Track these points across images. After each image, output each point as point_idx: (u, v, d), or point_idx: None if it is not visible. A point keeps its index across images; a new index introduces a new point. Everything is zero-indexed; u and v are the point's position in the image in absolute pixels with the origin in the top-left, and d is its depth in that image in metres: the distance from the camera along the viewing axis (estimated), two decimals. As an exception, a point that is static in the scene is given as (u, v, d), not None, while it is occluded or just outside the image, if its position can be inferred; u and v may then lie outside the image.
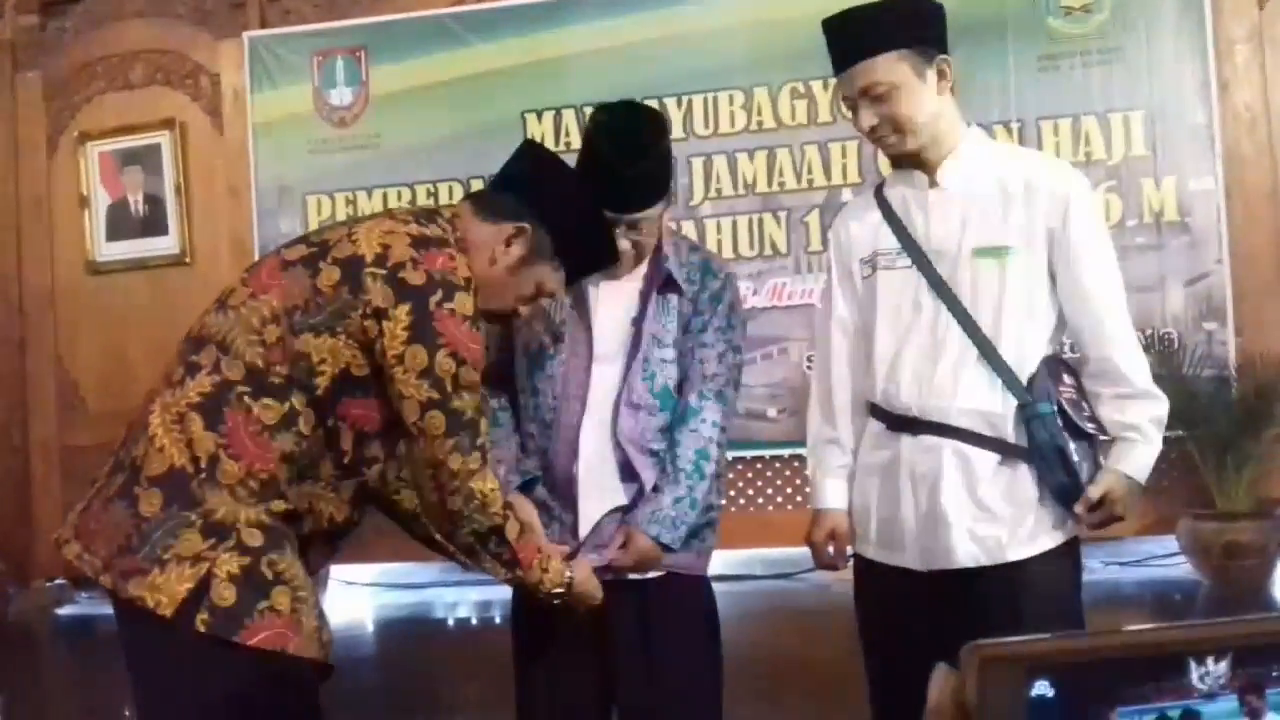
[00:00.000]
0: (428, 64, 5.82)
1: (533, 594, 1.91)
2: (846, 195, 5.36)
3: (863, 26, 2.03)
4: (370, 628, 5.18)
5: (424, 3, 5.89)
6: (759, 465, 5.50)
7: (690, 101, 5.59)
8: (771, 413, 5.43)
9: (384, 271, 1.66)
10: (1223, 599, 4.65)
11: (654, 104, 5.57)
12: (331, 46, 5.97)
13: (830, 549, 2.16)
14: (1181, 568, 4.88)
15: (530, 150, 2.02)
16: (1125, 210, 5.15)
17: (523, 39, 5.73)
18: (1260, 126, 5.14)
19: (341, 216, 5.88)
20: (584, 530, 2.12)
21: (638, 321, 2.15)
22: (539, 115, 5.61)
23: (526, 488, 2.16)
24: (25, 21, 6.39)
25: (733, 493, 5.54)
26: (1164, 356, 4.89)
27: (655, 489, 2.10)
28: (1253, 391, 4.74)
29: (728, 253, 5.49)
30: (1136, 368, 2.04)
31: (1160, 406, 2.04)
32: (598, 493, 2.13)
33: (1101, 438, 2.04)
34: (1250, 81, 5.15)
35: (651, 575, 2.12)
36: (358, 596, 5.15)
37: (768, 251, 5.50)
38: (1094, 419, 2.03)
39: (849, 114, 2.11)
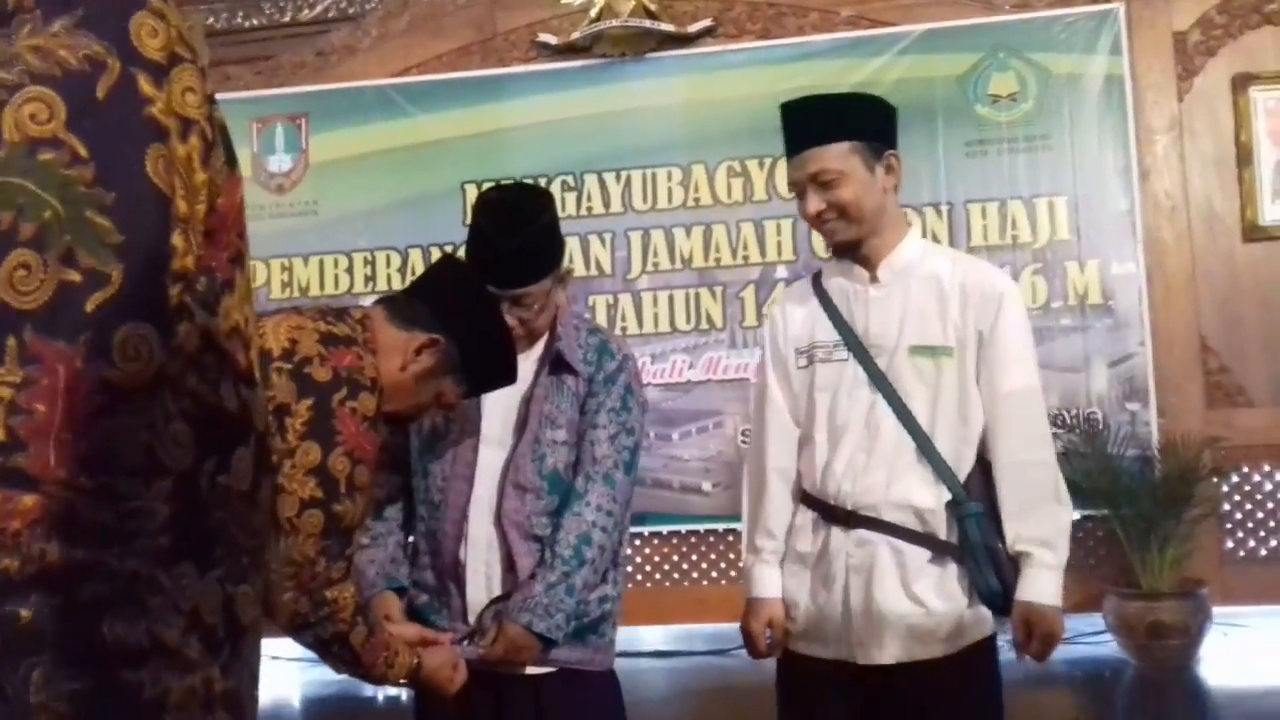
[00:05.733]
0: (368, 133, 5.82)
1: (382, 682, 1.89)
2: (781, 271, 5.44)
3: (819, 115, 2.07)
4: (297, 705, 5.03)
5: (366, 73, 5.91)
6: (693, 539, 5.48)
7: (629, 177, 5.65)
8: (706, 486, 5.43)
9: (290, 366, 1.65)
10: (1149, 680, 4.70)
11: (593, 178, 5.69)
12: (272, 113, 5.95)
13: (768, 637, 2.13)
14: (1109, 645, 4.92)
15: (449, 265, 2.04)
16: (1050, 292, 5.28)
17: (464, 111, 5.78)
18: (1180, 214, 5.30)
19: (277, 283, 5.83)
20: (471, 616, 2.09)
21: (527, 401, 2.13)
22: (479, 186, 5.63)
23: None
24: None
25: (666, 567, 5.51)
26: (1089, 436, 4.98)
27: (532, 576, 2.05)
28: (1175, 473, 4.81)
29: (664, 326, 5.54)
30: (1043, 476, 2.01)
31: (1064, 515, 2.02)
32: (484, 580, 2.09)
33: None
34: (1170, 170, 5.32)
35: (544, 671, 2.07)
36: (284, 672, 5.00)
37: (704, 325, 5.54)
38: None
39: (795, 198, 2.12)
